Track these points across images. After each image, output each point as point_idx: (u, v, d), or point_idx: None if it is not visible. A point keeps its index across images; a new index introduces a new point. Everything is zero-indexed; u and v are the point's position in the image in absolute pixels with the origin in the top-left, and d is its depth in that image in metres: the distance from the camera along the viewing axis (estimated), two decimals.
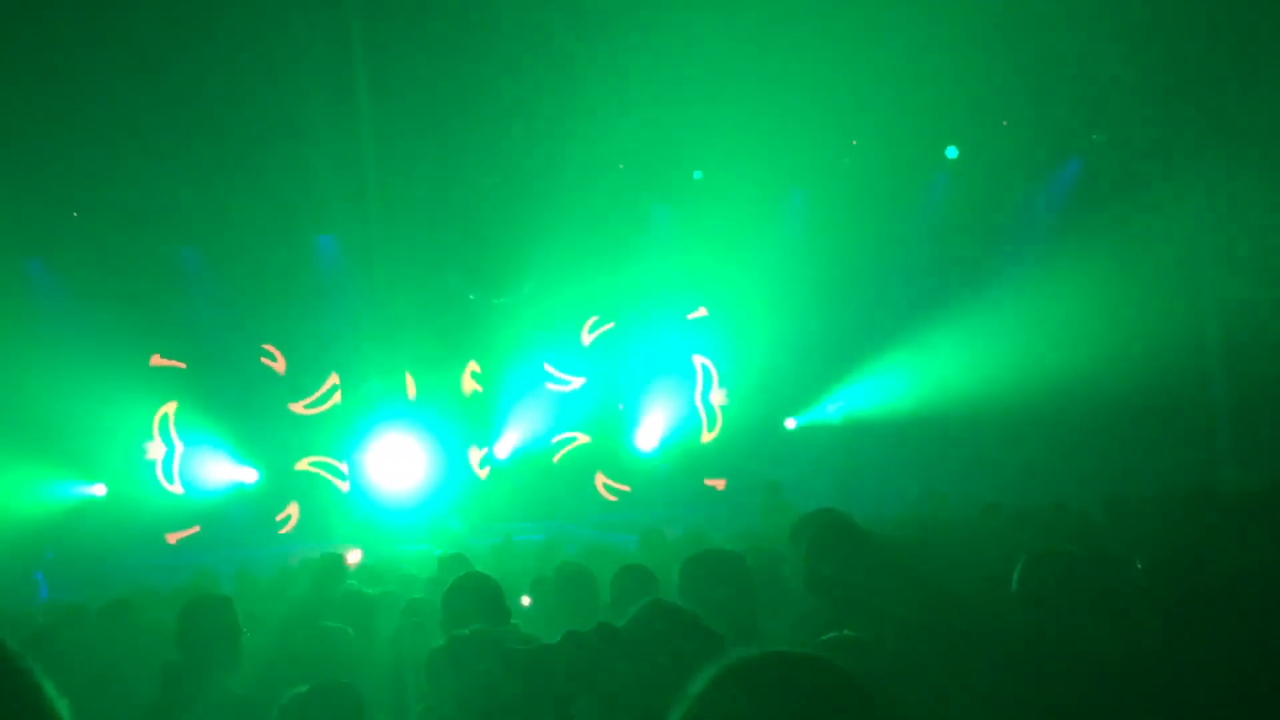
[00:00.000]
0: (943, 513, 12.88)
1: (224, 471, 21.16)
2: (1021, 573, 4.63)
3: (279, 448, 21.32)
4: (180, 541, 20.54)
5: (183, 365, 21.14)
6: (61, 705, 1.18)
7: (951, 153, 20.55)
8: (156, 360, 21.08)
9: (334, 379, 21.55)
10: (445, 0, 16.60)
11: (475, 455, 21.63)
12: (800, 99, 17.78)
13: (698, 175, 20.23)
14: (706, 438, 22.06)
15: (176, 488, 21.16)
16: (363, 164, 18.39)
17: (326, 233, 20.75)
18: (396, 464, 21.23)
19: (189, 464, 21.17)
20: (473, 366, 21.69)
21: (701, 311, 21.77)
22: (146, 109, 16.81)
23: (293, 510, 21.17)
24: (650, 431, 21.91)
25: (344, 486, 21.43)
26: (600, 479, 21.87)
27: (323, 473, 21.48)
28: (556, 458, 21.88)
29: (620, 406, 21.92)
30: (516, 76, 17.31)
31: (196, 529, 20.87)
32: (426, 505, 20.84)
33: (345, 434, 21.46)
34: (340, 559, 11.13)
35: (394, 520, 20.38)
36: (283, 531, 20.89)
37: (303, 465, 21.47)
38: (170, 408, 21.18)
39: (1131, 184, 19.10)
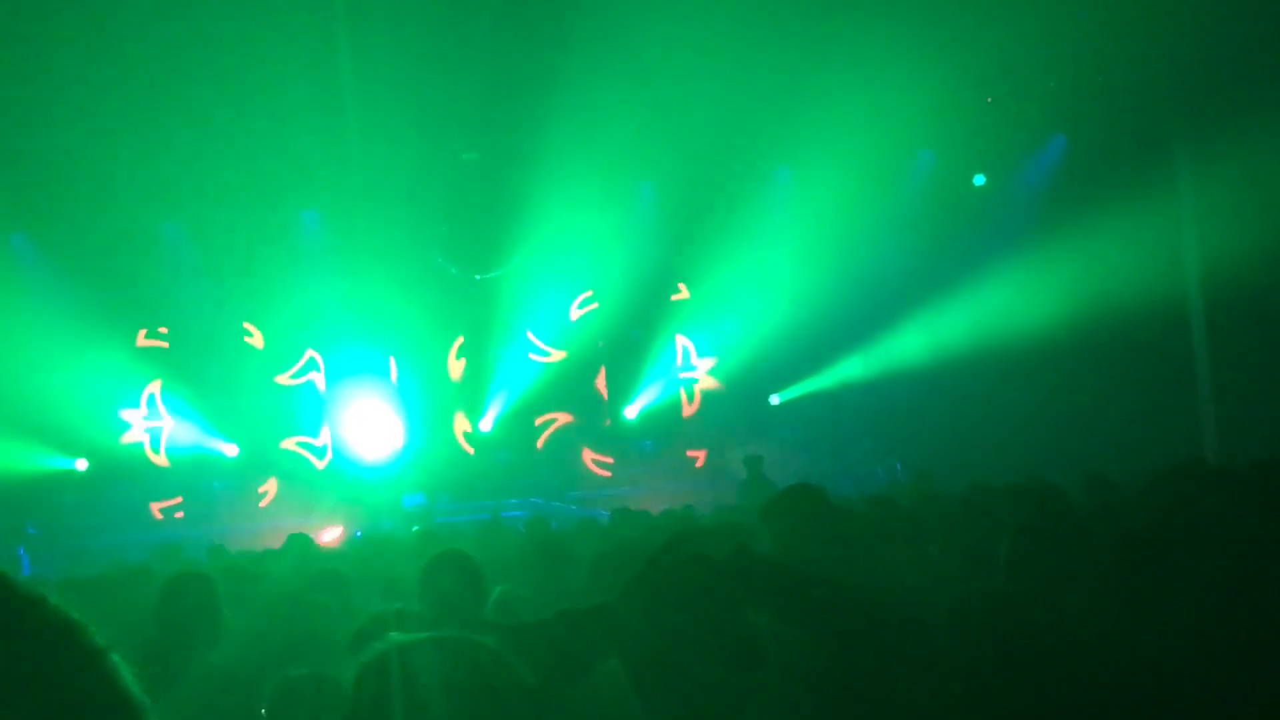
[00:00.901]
0: (926, 489, 12.86)
1: (205, 443, 21.15)
2: (1009, 548, 4.62)
3: (260, 423, 21.31)
4: (164, 517, 20.50)
5: (166, 345, 21.11)
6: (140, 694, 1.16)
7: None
8: (142, 340, 21.06)
9: (310, 353, 21.54)
10: None
11: (460, 424, 21.63)
12: (784, 75, 17.75)
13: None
14: (688, 411, 22.11)
15: (161, 459, 21.13)
16: (345, 139, 18.31)
17: (309, 208, 20.64)
18: (377, 436, 21.22)
19: (171, 436, 21.14)
20: (457, 345, 21.69)
21: (683, 292, 21.76)
22: (128, 84, 16.70)
23: (270, 487, 21.15)
24: (634, 402, 21.95)
25: (320, 464, 21.43)
26: (588, 455, 21.90)
27: (304, 452, 21.47)
28: (540, 440, 21.90)
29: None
30: (501, 50, 17.22)
31: (179, 499, 20.87)
32: (409, 480, 20.83)
33: (326, 408, 21.45)
34: (309, 538, 11.14)
35: (376, 497, 20.36)
36: (262, 505, 20.87)
37: (287, 445, 21.46)
38: (155, 386, 21.14)
39: (1117, 157, 19.07)
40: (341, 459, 21.25)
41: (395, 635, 2.38)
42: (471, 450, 21.58)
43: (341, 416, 21.36)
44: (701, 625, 2.72)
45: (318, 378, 21.62)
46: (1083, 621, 3.94)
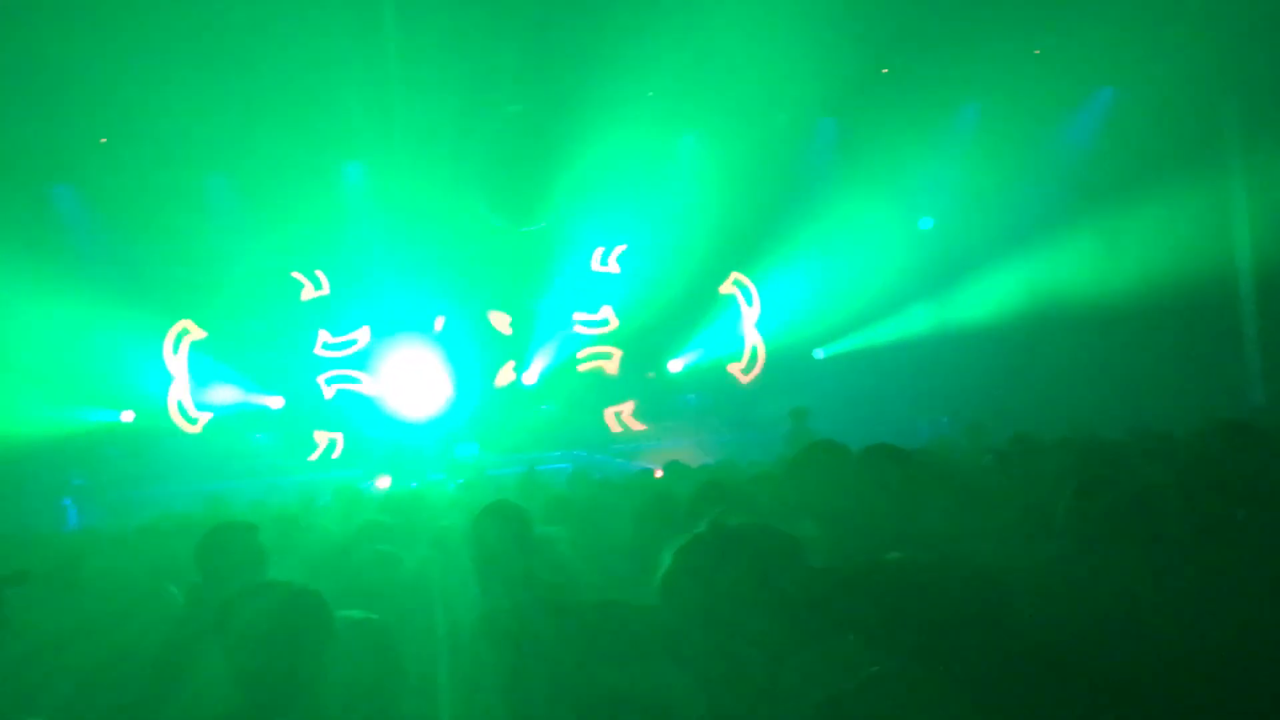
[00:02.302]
0: (969, 443, 12.76)
1: (248, 401, 21.21)
2: (1068, 504, 4.52)
3: (306, 376, 21.36)
4: (209, 469, 20.56)
5: (204, 334, 21.21)
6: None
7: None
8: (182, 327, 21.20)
9: (365, 331, 21.60)
10: None
11: (504, 377, 21.63)
12: (828, 25, 17.57)
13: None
14: (745, 378, 22.06)
15: (196, 426, 21.22)
16: (389, 91, 18.27)
17: (353, 160, 20.62)
18: (420, 390, 21.24)
19: (212, 395, 21.21)
20: (500, 315, 21.67)
21: (730, 248, 21.63)
22: (173, 36, 16.66)
23: (318, 440, 21.22)
24: (680, 360, 21.90)
25: (365, 389, 21.49)
26: (612, 412, 21.86)
27: (345, 385, 21.50)
28: (582, 367, 21.87)
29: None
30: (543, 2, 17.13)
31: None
32: (450, 433, 20.86)
33: (371, 361, 21.50)
34: (357, 489, 11.14)
35: (418, 448, 20.39)
36: (311, 458, 20.96)
37: (325, 381, 21.49)
38: (187, 331, 21.16)
39: (1171, 114, 18.81)
40: (388, 415, 21.29)
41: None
42: (515, 403, 21.58)
43: (388, 373, 21.39)
44: (757, 592, 2.66)
45: (364, 333, 21.62)
46: (1149, 587, 3.86)
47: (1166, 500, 4.48)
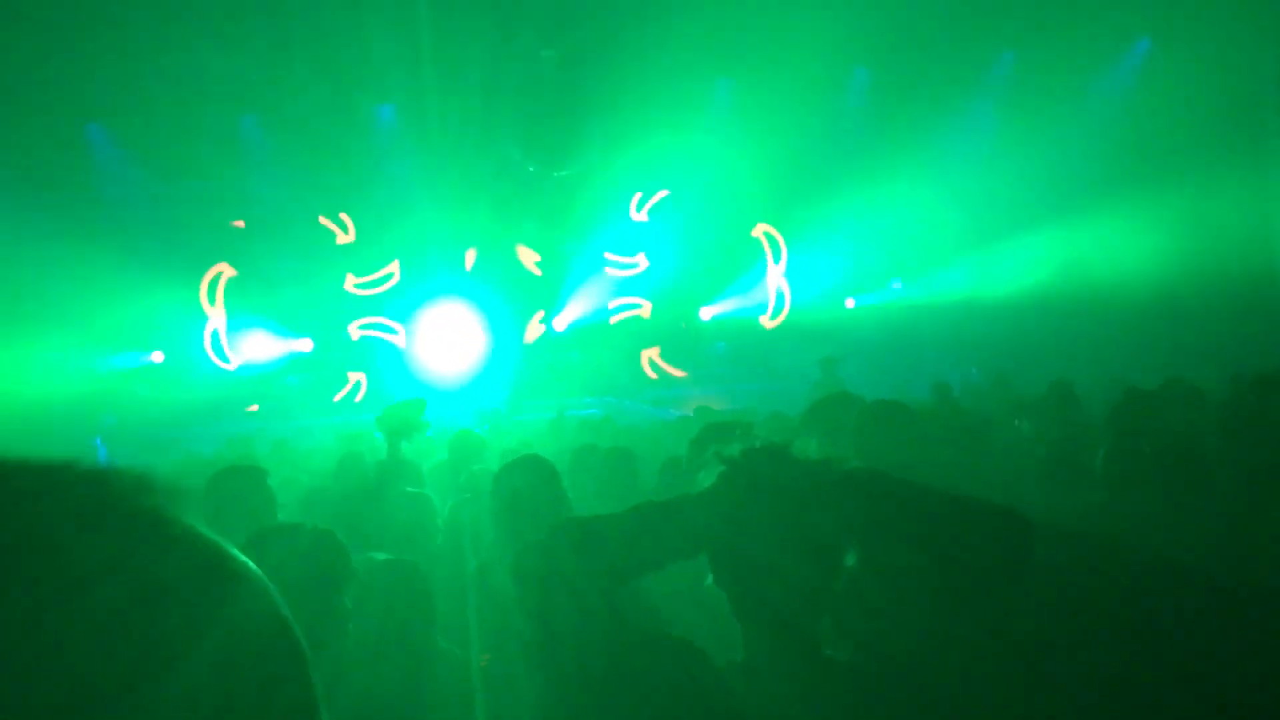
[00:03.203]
0: (1001, 391, 12.70)
1: (278, 345, 21.25)
2: (1108, 452, 4.47)
3: (336, 319, 21.40)
4: (242, 410, 20.60)
5: (241, 224, 21.15)
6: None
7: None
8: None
9: (395, 266, 21.56)
10: None
11: (534, 326, 21.63)
12: None
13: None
14: (770, 324, 22.01)
15: (231, 365, 21.27)
16: (421, 32, 18.22)
17: (386, 102, 20.56)
18: (451, 338, 21.25)
19: (243, 337, 21.26)
20: (529, 252, 21.63)
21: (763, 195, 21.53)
22: None
23: (359, 378, 21.30)
24: (711, 307, 21.87)
25: (398, 340, 21.50)
26: (647, 356, 21.85)
27: (375, 333, 21.54)
28: (614, 319, 21.86)
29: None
30: None
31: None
32: (480, 378, 20.89)
33: (402, 306, 21.52)
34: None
35: (448, 393, 20.42)
36: (337, 398, 21.02)
37: (355, 329, 21.51)
38: (222, 274, 21.21)
39: (1205, 67, 18.59)
40: (416, 362, 21.33)
41: None
42: (545, 349, 21.62)
43: (418, 323, 21.42)
44: (786, 525, 2.64)
45: (395, 268, 21.61)
46: (1194, 532, 3.82)
47: (1206, 446, 4.44)
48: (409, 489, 7.18)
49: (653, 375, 21.78)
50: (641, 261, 21.86)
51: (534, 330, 21.65)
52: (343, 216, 21.37)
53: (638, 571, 2.77)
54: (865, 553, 2.72)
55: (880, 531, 2.68)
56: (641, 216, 21.78)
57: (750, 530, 2.64)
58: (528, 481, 5.44)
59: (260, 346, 21.22)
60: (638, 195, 21.68)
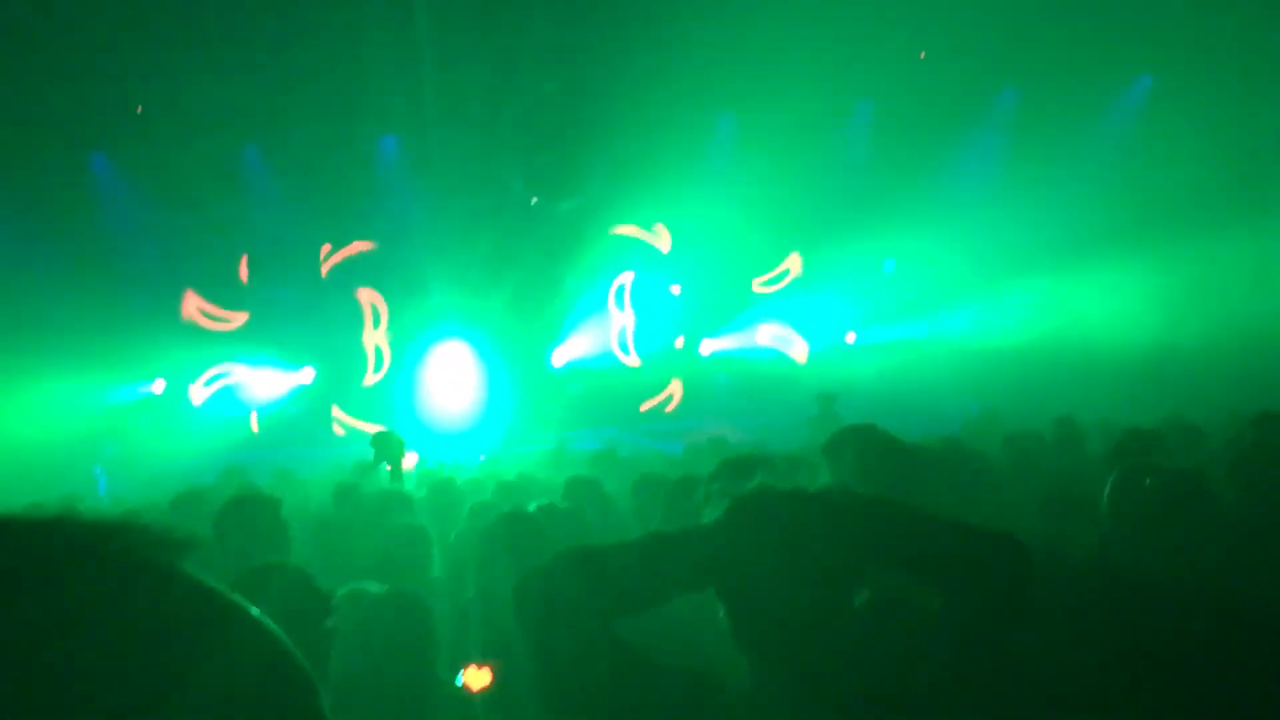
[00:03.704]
0: (1000, 429, 12.67)
1: (281, 382, 21.26)
2: (1114, 486, 4.44)
3: (337, 349, 21.41)
4: (241, 438, 20.57)
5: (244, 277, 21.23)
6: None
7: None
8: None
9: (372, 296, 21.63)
10: None
11: (540, 360, 21.69)
12: (867, 8, 17.54)
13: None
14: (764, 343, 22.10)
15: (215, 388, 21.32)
16: (423, 64, 18.33)
17: (388, 134, 20.61)
18: (451, 374, 21.28)
19: (247, 384, 21.29)
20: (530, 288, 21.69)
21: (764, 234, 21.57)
22: (209, 7, 16.72)
23: (344, 414, 21.29)
24: (713, 340, 21.91)
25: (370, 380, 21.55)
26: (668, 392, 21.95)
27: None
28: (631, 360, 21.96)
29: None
30: None
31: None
32: (480, 413, 20.92)
33: (404, 342, 21.55)
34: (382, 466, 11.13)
35: (449, 430, 20.46)
36: (337, 431, 21.00)
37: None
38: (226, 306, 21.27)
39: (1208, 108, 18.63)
40: (415, 399, 21.35)
41: None
42: (545, 380, 21.65)
43: (419, 358, 21.48)
44: (794, 556, 2.63)
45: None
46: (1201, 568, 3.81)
47: (1212, 482, 4.42)
48: (407, 520, 7.19)
49: (650, 402, 21.77)
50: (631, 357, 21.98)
51: (539, 361, 21.71)
52: (327, 249, 21.40)
53: (643, 602, 2.76)
54: (872, 582, 2.72)
55: (886, 559, 2.67)
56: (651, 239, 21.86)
57: (757, 562, 2.64)
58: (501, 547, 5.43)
59: (263, 379, 21.23)
60: (634, 226, 21.75)
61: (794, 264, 22.08)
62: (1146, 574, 3.76)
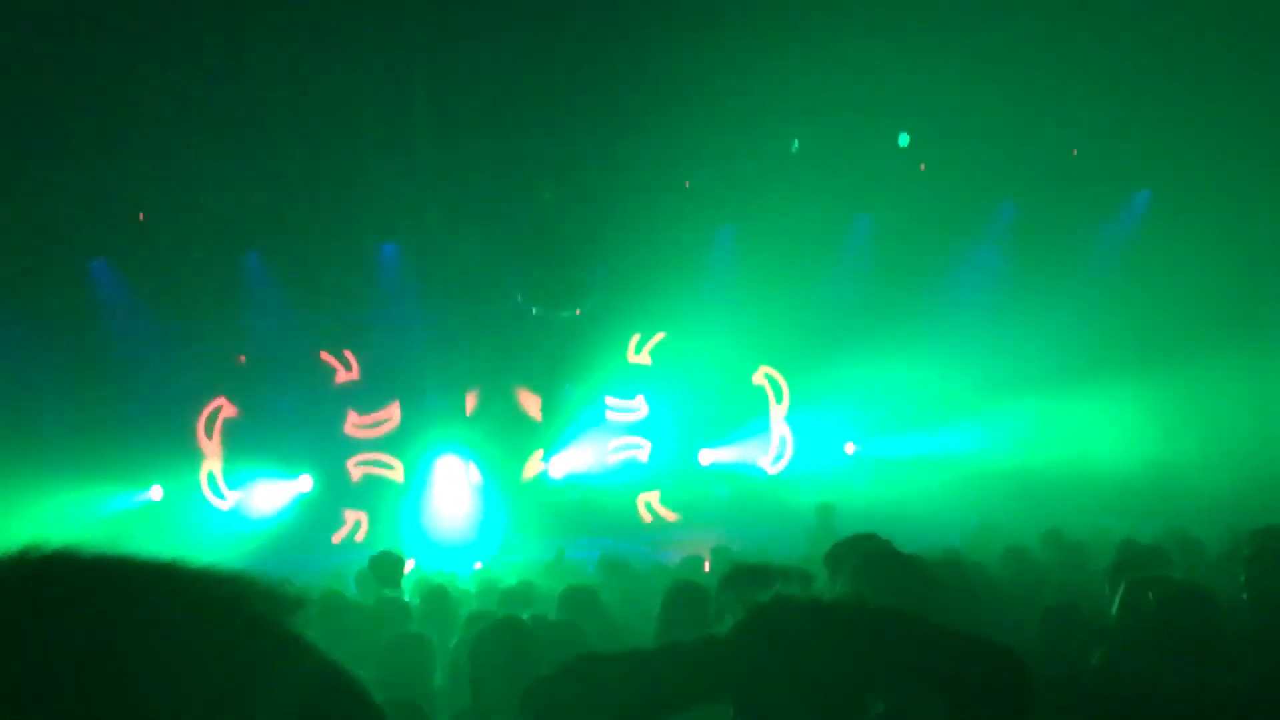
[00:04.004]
0: (999, 541, 12.60)
1: (280, 489, 21.16)
2: (1124, 599, 4.43)
3: (335, 456, 21.33)
4: (234, 547, 20.44)
5: (243, 359, 21.17)
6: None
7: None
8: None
9: (395, 408, 21.59)
10: (503, 11, 16.63)
11: (533, 464, 21.60)
12: (866, 123, 17.72)
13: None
14: (773, 469, 21.98)
15: (226, 504, 21.20)
16: (423, 174, 18.52)
17: (388, 240, 20.68)
18: (450, 488, 21.20)
19: (243, 481, 21.20)
20: (530, 395, 21.66)
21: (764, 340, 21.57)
22: (210, 116, 16.90)
23: (360, 518, 21.16)
24: (711, 451, 21.84)
25: (395, 476, 21.49)
26: (643, 500, 21.79)
27: (376, 469, 21.48)
28: (613, 458, 21.83)
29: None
30: (579, 90, 17.28)
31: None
32: (478, 523, 20.81)
33: (403, 449, 21.47)
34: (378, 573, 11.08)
35: (447, 538, 20.36)
36: (337, 539, 20.88)
37: (354, 465, 21.46)
38: (220, 410, 21.18)
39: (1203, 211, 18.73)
40: (415, 506, 21.25)
41: None
42: (543, 490, 21.54)
43: (419, 467, 21.41)
44: (815, 671, 2.60)
45: (394, 410, 21.63)
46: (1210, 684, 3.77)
47: (1217, 596, 4.41)
48: (408, 628, 7.17)
49: (648, 519, 21.66)
50: (641, 405, 21.86)
51: (533, 468, 21.60)
52: (346, 354, 21.37)
53: (654, 713, 2.74)
54: (884, 693, 2.70)
55: (897, 671, 2.66)
56: (642, 359, 21.80)
57: (775, 673, 2.62)
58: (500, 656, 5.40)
59: (259, 489, 21.12)
60: (636, 337, 21.72)
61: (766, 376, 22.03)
62: (1156, 688, 3.74)
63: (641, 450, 21.90)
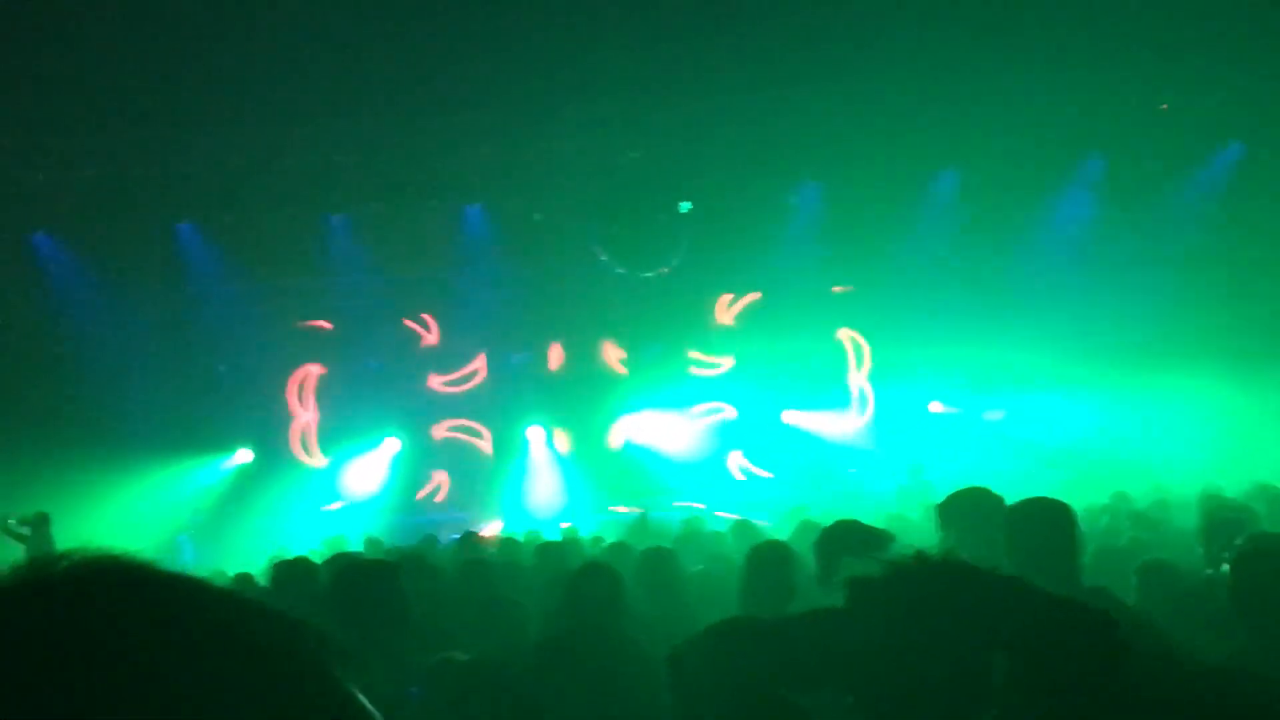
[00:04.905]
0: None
1: (372, 456, 21.32)
2: (1235, 568, 4.31)
3: (423, 418, 21.45)
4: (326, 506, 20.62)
5: (329, 325, 21.30)
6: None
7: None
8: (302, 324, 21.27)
9: (481, 358, 21.64)
10: None
11: (616, 431, 21.61)
12: (954, 75, 17.53)
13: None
14: (856, 422, 21.82)
15: (317, 460, 21.37)
16: (511, 132, 18.54)
17: (472, 203, 20.68)
18: (538, 454, 21.29)
19: (328, 430, 21.37)
20: (615, 349, 21.63)
21: (847, 288, 21.44)
22: (296, 77, 16.94)
23: (441, 479, 21.28)
24: (795, 411, 21.74)
25: (483, 445, 21.58)
26: (735, 459, 21.73)
27: (463, 436, 21.57)
28: (699, 421, 21.80)
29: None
30: (663, 50, 17.18)
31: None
32: (565, 481, 20.87)
33: (489, 412, 21.55)
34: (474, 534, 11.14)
35: (532, 495, 20.47)
36: (419, 496, 21.01)
37: (441, 430, 21.57)
38: (310, 375, 21.37)
39: None
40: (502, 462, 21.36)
41: None
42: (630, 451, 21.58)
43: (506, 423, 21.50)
44: (933, 645, 2.52)
45: (481, 361, 21.70)
46: None
47: None
48: (491, 592, 7.19)
49: (740, 477, 21.61)
50: (725, 361, 21.77)
51: (618, 432, 21.61)
52: (425, 317, 21.46)
53: (809, 682, 2.71)
54: (1015, 670, 2.62)
55: (1028, 645, 2.58)
56: (728, 319, 21.72)
57: (897, 653, 2.55)
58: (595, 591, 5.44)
59: (347, 443, 21.27)
60: (727, 296, 21.63)
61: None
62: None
63: (725, 413, 21.84)
